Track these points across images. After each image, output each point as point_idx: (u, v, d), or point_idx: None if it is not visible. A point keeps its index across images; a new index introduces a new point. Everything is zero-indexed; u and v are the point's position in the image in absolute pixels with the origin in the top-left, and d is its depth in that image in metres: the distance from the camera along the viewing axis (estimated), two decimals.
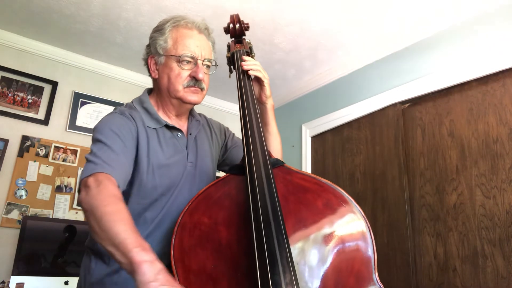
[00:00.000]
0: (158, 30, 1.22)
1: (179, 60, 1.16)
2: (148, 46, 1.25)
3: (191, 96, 1.17)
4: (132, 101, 1.24)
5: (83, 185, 0.93)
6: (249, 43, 1.37)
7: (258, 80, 1.26)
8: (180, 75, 1.16)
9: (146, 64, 1.24)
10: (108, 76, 3.10)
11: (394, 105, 2.46)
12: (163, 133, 1.17)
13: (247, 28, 1.37)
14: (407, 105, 2.42)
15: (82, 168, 2.81)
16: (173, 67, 1.16)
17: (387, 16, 2.31)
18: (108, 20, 2.50)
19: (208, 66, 1.22)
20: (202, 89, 1.19)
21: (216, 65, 1.25)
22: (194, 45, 1.18)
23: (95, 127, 1.11)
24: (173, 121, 1.22)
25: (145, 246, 0.77)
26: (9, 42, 2.73)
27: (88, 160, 0.99)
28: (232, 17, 1.38)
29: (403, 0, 2.17)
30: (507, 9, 2.01)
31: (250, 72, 1.24)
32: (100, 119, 1.14)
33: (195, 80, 1.17)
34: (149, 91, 1.28)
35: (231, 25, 1.37)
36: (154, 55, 1.21)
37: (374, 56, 2.65)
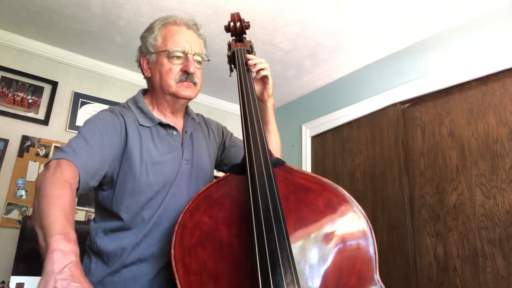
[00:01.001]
0: (148, 29, 1.24)
1: (169, 55, 1.16)
2: (140, 47, 1.26)
3: (184, 91, 1.17)
4: (126, 101, 1.25)
5: (44, 167, 0.93)
6: (249, 41, 1.37)
7: (263, 78, 1.27)
8: (172, 70, 1.16)
9: (140, 65, 1.25)
10: (108, 76, 3.10)
11: (394, 105, 2.46)
12: (157, 131, 1.17)
13: (247, 26, 1.37)
14: (407, 105, 2.42)
15: None
16: (164, 63, 1.17)
17: (387, 16, 2.31)
18: (108, 20, 2.50)
19: (199, 62, 1.23)
20: (195, 84, 1.19)
21: (207, 60, 1.25)
22: (183, 40, 1.19)
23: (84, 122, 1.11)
24: (168, 119, 1.22)
25: (70, 236, 0.74)
26: (9, 42, 2.73)
27: (59, 148, 0.98)
28: (232, 15, 1.37)
29: (403, 0, 2.17)
30: (507, 9, 2.01)
31: (261, 72, 1.24)
32: None
33: (187, 74, 1.17)
34: (144, 92, 1.28)
35: (232, 24, 1.36)
36: (146, 54, 1.22)
37: (374, 56, 2.65)
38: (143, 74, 1.25)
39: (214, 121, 1.43)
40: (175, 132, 1.21)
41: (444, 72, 2.21)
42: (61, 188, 0.85)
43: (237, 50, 1.30)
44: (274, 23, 2.44)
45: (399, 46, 2.50)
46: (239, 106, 1.16)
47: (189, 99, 1.21)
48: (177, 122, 1.25)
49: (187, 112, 1.30)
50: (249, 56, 1.26)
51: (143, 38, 1.23)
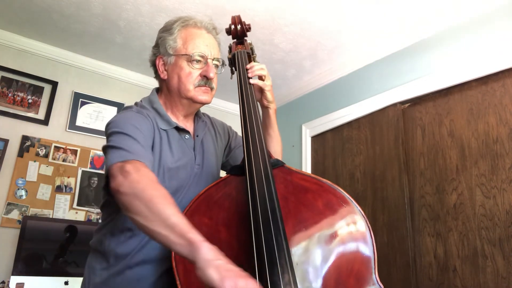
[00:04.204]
0: (167, 30, 1.20)
1: (190, 59, 1.15)
2: (156, 46, 1.23)
3: (202, 96, 1.17)
4: (141, 101, 1.22)
5: (118, 170, 0.89)
6: (250, 44, 1.36)
7: (259, 87, 1.24)
8: (191, 75, 1.15)
9: (154, 65, 1.22)
10: (108, 76, 3.09)
11: (394, 105, 2.46)
12: (172, 135, 1.16)
13: (248, 29, 1.37)
14: (407, 105, 2.42)
15: (82, 168, 2.81)
16: (183, 67, 1.15)
17: (387, 16, 2.31)
18: (108, 20, 2.50)
19: (216, 66, 1.22)
20: (212, 89, 1.19)
21: (224, 64, 1.25)
22: (203, 44, 1.18)
23: (111, 122, 1.07)
24: (181, 123, 1.21)
25: (198, 232, 0.78)
26: (9, 42, 2.73)
27: (114, 147, 0.95)
28: (233, 18, 1.37)
29: (403, 0, 2.17)
30: (507, 9, 2.00)
31: (251, 81, 1.21)
32: (114, 116, 1.10)
33: (206, 79, 1.16)
34: (157, 91, 1.26)
35: (233, 26, 1.36)
36: (163, 56, 1.19)
37: (374, 56, 2.65)
38: (156, 75, 1.23)
39: (220, 122, 1.42)
40: (187, 136, 1.20)
41: (444, 72, 2.21)
42: (160, 189, 0.86)
43: (237, 52, 1.30)
44: (274, 23, 2.44)
45: (399, 46, 2.50)
46: (238, 107, 1.16)
47: (206, 104, 1.20)
48: (188, 125, 1.24)
49: (197, 115, 1.29)
50: (248, 66, 1.24)
51: (161, 38, 1.20)
